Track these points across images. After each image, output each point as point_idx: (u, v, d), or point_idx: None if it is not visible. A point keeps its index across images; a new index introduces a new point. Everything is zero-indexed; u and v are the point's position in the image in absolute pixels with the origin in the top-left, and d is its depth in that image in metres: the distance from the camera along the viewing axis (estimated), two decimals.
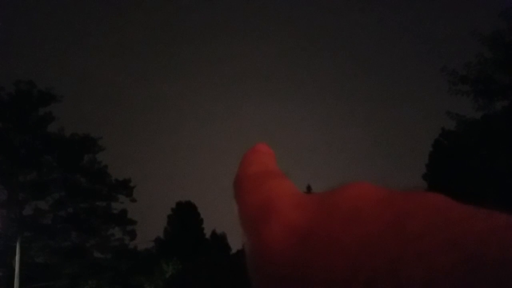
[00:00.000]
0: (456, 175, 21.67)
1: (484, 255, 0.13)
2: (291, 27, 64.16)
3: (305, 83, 61.36)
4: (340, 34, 65.03)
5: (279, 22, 64.55)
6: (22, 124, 25.86)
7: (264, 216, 0.20)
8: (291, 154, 56.05)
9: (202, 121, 59.42)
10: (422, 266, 0.14)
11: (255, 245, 0.19)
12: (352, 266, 0.15)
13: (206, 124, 60.42)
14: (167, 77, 60.34)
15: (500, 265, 0.13)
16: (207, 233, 37.64)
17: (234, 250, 36.01)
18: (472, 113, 22.02)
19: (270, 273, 0.18)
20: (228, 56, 61.96)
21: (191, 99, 61.14)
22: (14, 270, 22.94)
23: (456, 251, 0.13)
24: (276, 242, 0.18)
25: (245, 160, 0.25)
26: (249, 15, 66.40)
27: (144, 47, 63.15)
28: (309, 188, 34.63)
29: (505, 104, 20.09)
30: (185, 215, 36.48)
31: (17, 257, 23.00)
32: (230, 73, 61.49)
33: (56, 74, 50.28)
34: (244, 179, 0.23)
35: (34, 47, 54.69)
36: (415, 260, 0.14)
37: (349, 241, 0.16)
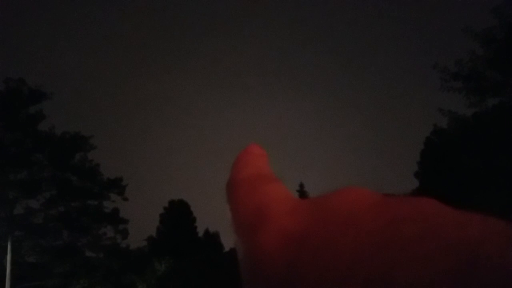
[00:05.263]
0: (447, 172, 21.77)
1: (479, 260, 0.13)
2: (284, 26, 64.17)
3: (298, 80, 61.42)
4: (332, 32, 65.16)
5: (272, 20, 64.53)
6: (12, 122, 25.63)
7: (259, 222, 0.20)
8: (285, 151, 56.10)
9: (195, 119, 59.29)
10: (418, 269, 0.14)
11: (250, 250, 0.19)
12: (349, 267, 0.15)
13: (199, 122, 60.31)
14: (159, 74, 60.13)
15: (494, 269, 0.13)
16: (200, 231, 37.58)
17: (227, 248, 35.96)
18: (464, 110, 22.17)
19: (265, 277, 0.18)
20: (221, 54, 61.84)
21: (184, 97, 60.97)
22: (5, 269, 22.76)
23: (452, 256, 0.14)
24: (271, 247, 0.18)
25: (238, 163, 0.25)
26: (243, 12, 66.34)
27: (137, 43, 62.89)
28: (302, 186, 34.66)
29: (496, 101, 20.23)
30: (178, 214, 36.36)
31: (8, 257, 22.82)
32: (222, 72, 61.44)
33: (46, 71, 49.91)
34: (237, 183, 0.23)
35: (24, 44, 54.22)
36: (411, 263, 0.14)
37: (344, 244, 0.16)
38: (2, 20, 48.46)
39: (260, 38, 63.58)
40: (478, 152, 19.45)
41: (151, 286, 29.13)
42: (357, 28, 63.28)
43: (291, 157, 57.03)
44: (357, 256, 0.15)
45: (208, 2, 62.67)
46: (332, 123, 60.71)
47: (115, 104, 59.29)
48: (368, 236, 0.16)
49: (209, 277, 29.59)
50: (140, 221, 49.62)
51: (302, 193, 32.83)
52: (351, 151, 58.97)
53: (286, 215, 0.19)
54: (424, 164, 25.75)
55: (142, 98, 59.52)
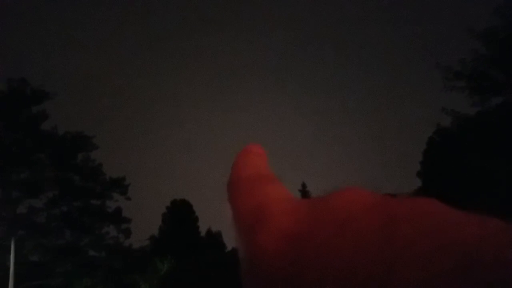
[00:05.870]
0: (450, 172, 21.70)
1: (477, 260, 0.13)
2: (285, 26, 64.12)
3: (299, 80, 61.37)
4: (333, 32, 65.08)
5: (273, 20, 64.50)
6: (14, 122, 25.65)
7: (258, 222, 0.20)
8: (287, 151, 56.05)
9: (197, 119, 59.31)
10: (417, 269, 0.14)
11: (250, 250, 0.19)
12: (347, 267, 0.15)
13: (201, 122, 60.32)
14: (161, 75, 60.14)
15: (493, 270, 0.13)
16: (202, 231, 37.58)
17: (229, 248, 35.94)
18: (467, 109, 22.10)
19: (265, 277, 0.18)
20: (221, 54, 61.83)
21: (186, 97, 60.98)
22: (8, 269, 22.78)
23: (450, 256, 0.14)
24: (271, 247, 0.18)
25: (238, 163, 0.25)
26: (243, 12, 66.30)
27: (138, 44, 62.92)
28: (304, 186, 34.61)
29: (499, 100, 20.16)
30: (180, 213, 36.37)
31: (11, 256, 22.85)
32: (226, 72, 61.41)
33: (49, 71, 49.97)
34: (237, 183, 0.23)
35: (26, 44, 54.32)
36: (410, 263, 0.14)
37: (343, 243, 0.16)
38: (4, 20, 48.54)
39: (261, 38, 63.55)
40: (481, 152, 19.38)
41: (153, 286, 29.14)
42: (358, 28, 63.20)
43: (293, 157, 57.00)
44: (356, 256, 0.15)
45: (208, 2, 62.69)
46: (335, 123, 60.65)
47: (118, 104, 59.37)
48: (366, 236, 0.16)
49: (211, 277, 29.60)
50: (142, 220, 49.68)
51: (304, 193, 32.77)
52: (353, 151, 58.90)
53: (286, 215, 0.19)
54: (426, 164, 25.68)
55: (144, 98, 59.57)
